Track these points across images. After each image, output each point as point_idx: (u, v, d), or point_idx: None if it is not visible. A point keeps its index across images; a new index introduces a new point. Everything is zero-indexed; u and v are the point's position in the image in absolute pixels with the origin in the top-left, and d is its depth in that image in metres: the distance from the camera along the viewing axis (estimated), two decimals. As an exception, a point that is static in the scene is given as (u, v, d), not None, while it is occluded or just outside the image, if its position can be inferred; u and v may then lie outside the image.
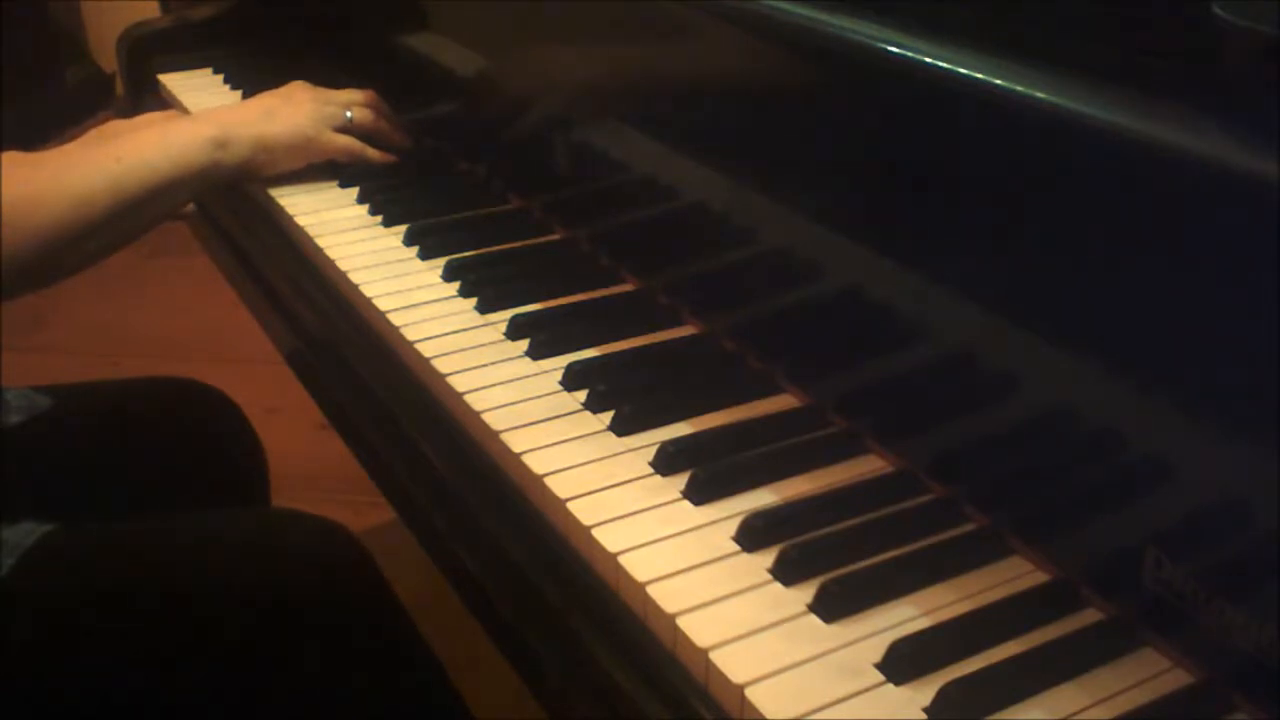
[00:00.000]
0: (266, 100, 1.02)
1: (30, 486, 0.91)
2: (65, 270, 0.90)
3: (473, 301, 0.86)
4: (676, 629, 0.57)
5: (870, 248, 0.68)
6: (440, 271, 0.90)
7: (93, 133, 0.98)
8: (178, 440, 1.08)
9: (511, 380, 0.76)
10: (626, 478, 0.67)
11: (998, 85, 0.57)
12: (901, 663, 0.55)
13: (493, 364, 0.78)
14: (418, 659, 0.86)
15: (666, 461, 0.68)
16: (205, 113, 1.00)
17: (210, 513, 0.96)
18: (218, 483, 1.10)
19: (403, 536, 0.79)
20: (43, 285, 0.90)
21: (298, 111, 1.01)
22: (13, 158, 0.86)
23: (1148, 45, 0.56)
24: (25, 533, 0.81)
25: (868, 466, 0.69)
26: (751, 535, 0.62)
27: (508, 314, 0.83)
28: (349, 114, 1.04)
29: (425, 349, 0.80)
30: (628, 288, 0.89)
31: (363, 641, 0.83)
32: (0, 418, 0.97)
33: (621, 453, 0.70)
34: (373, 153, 1.05)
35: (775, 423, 0.73)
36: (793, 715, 0.52)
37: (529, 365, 0.78)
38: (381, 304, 0.86)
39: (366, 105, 1.06)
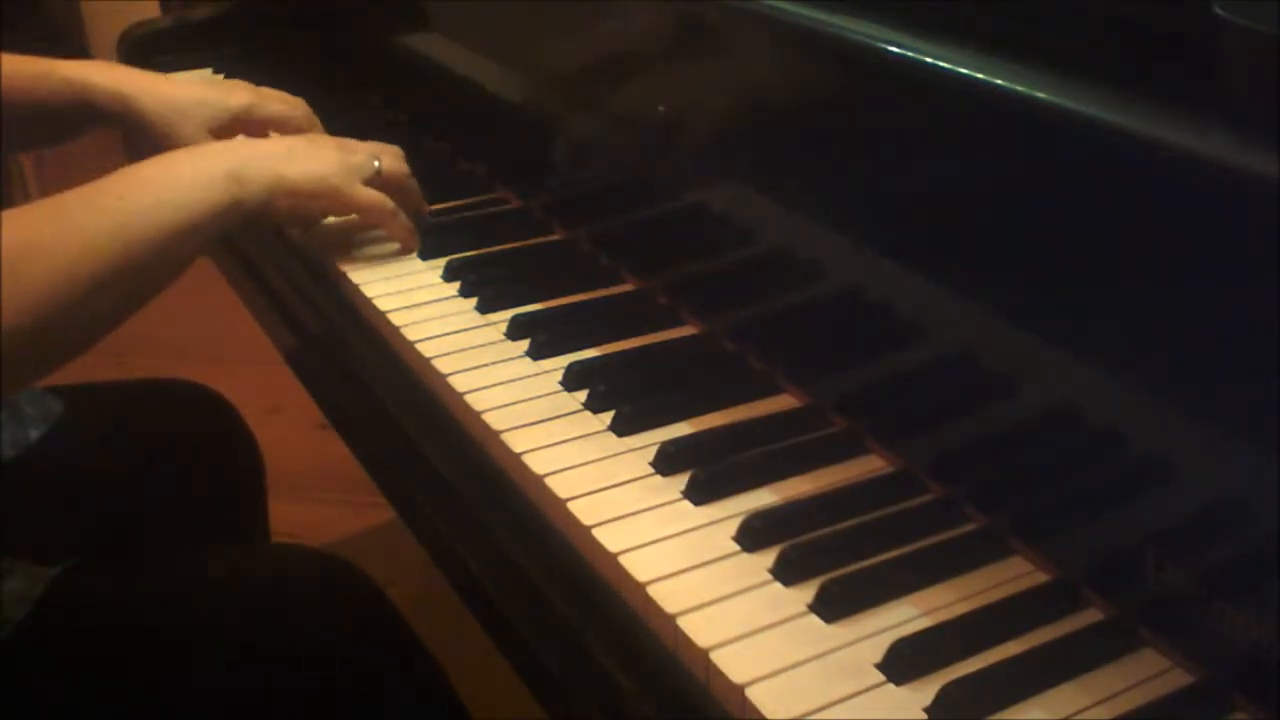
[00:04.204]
0: (288, 140, 0.91)
1: (33, 504, 0.91)
2: (74, 342, 0.75)
3: (473, 301, 0.86)
4: (677, 629, 0.57)
5: (870, 248, 0.68)
6: (440, 271, 0.90)
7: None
8: (173, 444, 1.08)
9: (512, 380, 0.76)
10: (627, 478, 0.67)
11: (998, 85, 0.57)
12: (902, 663, 0.55)
13: (493, 364, 0.78)
14: (438, 694, 0.86)
15: (666, 461, 0.68)
16: (220, 145, 0.88)
17: (212, 553, 0.95)
18: (213, 486, 1.10)
19: (403, 536, 0.79)
20: (48, 367, 0.76)
21: (322, 155, 0.88)
22: (5, 213, 0.72)
23: (1148, 45, 0.56)
24: (18, 597, 0.81)
25: (868, 466, 0.69)
26: (752, 535, 0.62)
27: (508, 314, 0.83)
28: (376, 163, 0.90)
29: (425, 349, 0.80)
30: (628, 288, 0.89)
31: (381, 678, 0.83)
32: (21, 432, 0.97)
33: (622, 453, 0.70)
34: (403, 218, 0.92)
35: (775, 423, 0.73)
36: (793, 715, 0.52)
37: (529, 365, 0.78)
38: (382, 304, 0.86)
39: (396, 156, 0.94)
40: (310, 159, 0.86)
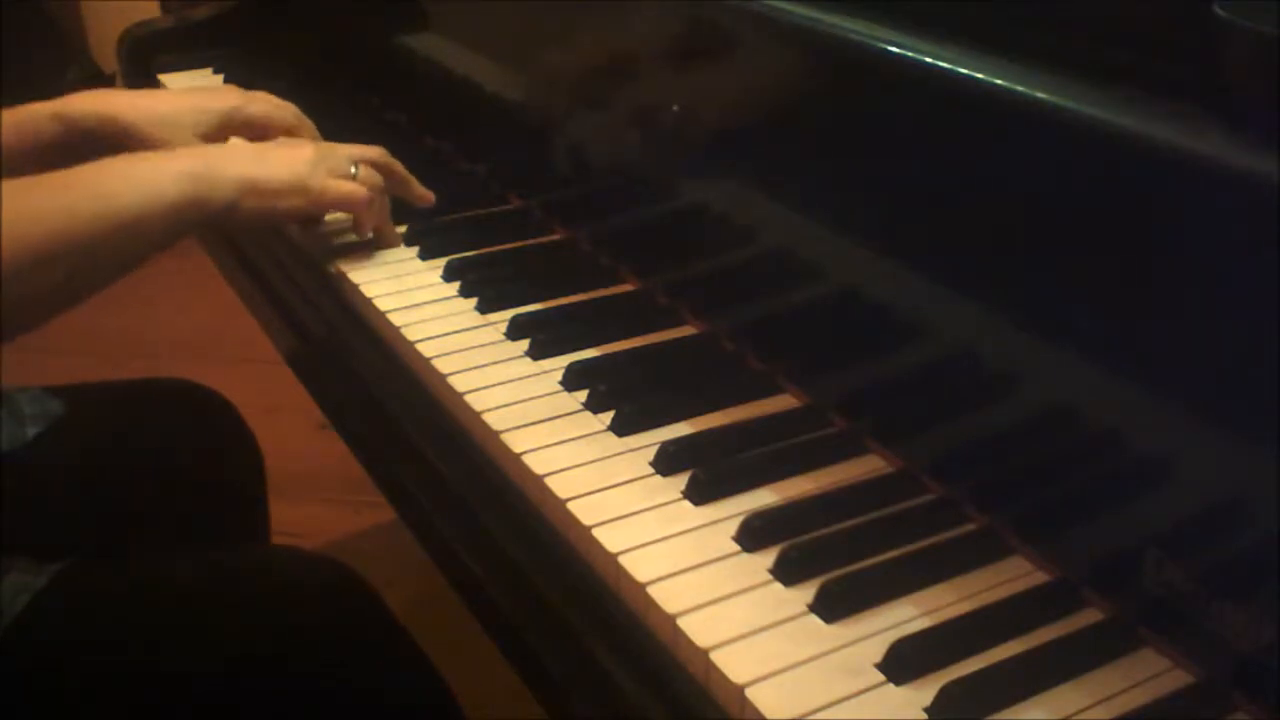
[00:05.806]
0: (263, 144, 0.91)
1: (31, 503, 0.91)
2: (24, 312, 0.75)
3: (473, 301, 0.86)
4: (677, 629, 0.57)
5: (870, 248, 0.68)
6: (440, 271, 0.90)
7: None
8: (174, 443, 1.08)
9: (512, 380, 0.76)
10: (627, 478, 0.67)
11: (998, 85, 0.57)
12: (902, 663, 0.55)
13: (493, 364, 0.78)
14: (434, 698, 0.86)
15: (666, 461, 0.68)
16: (190, 149, 0.86)
17: (211, 553, 0.95)
18: (213, 486, 1.10)
19: (402, 536, 0.79)
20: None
21: (295, 156, 0.88)
22: None
23: (1148, 45, 0.56)
24: (18, 590, 0.81)
25: (868, 466, 0.69)
26: (752, 535, 0.62)
27: (508, 314, 0.83)
28: (354, 169, 0.90)
29: (425, 349, 0.80)
30: (628, 288, 0.89)
31: (376, 681, 0.83)
32: (20, 430, 0.97)
33: (622, 453, 0.70)
34: (378, 208, 0.92)
35: (775, 423, 0.73)
36: (793, 715, 0.52)
37: (529, 365, 0.78)
38: (381, 304, 0.86)
39: (375, 163, 0.93)
40: (282, 161, 0.86)
